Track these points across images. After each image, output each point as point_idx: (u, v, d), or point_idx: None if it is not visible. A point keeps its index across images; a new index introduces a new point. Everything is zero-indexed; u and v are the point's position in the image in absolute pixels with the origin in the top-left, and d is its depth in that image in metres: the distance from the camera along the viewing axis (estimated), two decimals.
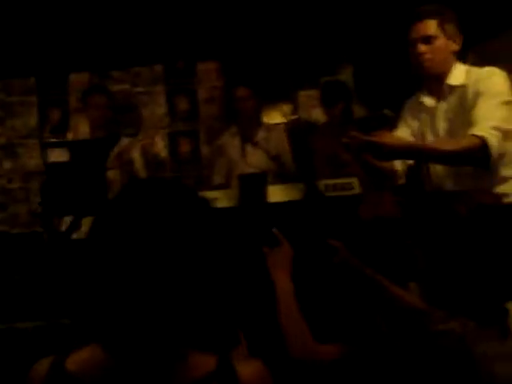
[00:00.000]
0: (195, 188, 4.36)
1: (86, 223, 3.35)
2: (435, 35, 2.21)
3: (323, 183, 3.11)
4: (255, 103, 3.83)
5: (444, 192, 2.35)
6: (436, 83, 2.30)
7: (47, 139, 4.48)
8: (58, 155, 2.87)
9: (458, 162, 2.20)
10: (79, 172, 2.90)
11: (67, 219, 3.09)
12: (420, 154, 2.23)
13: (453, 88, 2.25)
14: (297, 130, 4.50)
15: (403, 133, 2.43)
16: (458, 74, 2.25)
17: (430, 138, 2.35)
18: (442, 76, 2.26)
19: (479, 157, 2.02)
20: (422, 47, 2.21)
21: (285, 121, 4.60)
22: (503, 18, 4.10)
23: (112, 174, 3.19)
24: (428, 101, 2.33)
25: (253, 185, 3.03)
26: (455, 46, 2.27)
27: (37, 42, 4.33)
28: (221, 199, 3.09)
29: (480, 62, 4.55)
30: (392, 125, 2.21)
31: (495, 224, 1.34)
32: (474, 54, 4.63)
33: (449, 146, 2.12)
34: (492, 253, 1.30)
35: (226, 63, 4.61)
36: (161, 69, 4.58)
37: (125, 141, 3.78)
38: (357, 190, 3.11)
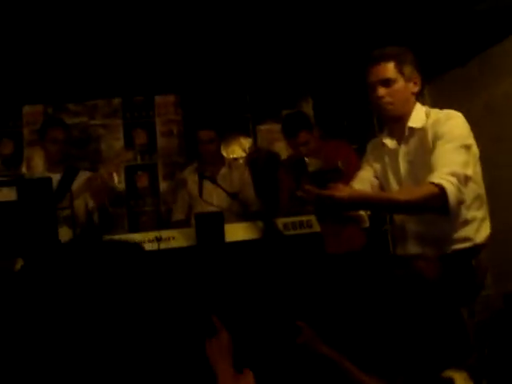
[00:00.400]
0: (153, 224, 4.31)
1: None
2: (393, 78, 2.21)
3: (282, 221, 3.08)
4: (218, 144, 3.83)
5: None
6: (397, 125, 2.29)
7: None
8: (6, 194, 2.73)
9: (415, 211, 2.19)
10: (27, 212, 2.77)
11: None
12: (376, 205, 2.21)
13: (413, 130, 2.25)
14: (258, 161, 4.47)
15: (366, 173, 2.44)
16: (418, 116, 2.25)
17: (391, 180, 2.35)
18: (402, 118, 2.26)
19: (438, 204, 2.00)
20: (381, 90, 2.21)
21: (244, 155, 4.56)
22: (460, 52, 4.18)
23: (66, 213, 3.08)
24: (389, 143, 2.33)
25: (210, 224, 2.96)
26: (415, 88, 2.27)
27: None
28: (178, 238, 3.02)
29: (436, 95, 4.66)
30: (343, 177, 2.15)
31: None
32: (431, 88, 4.72)
33: (405, 195, 2.09)
34: (422, 321, 1.25)
35: (184, 96, 4.57)
36: (119, 102, 4.49)
37: (84, 175, 3.67)
38: (316, 227, 3.08)
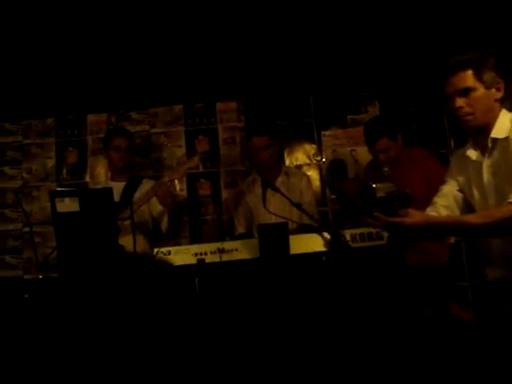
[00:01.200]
0: (215, 233, 4.26)
1: None
2: (472, 87, 2.10)
3: (349, 232, 2.93)
4: (274, 150, 3.70)
5: None
6: (480, 136, 2.18)
7: (64, 181, 4.38)
8: (69, 205, 2.72)
9: (493, 234, 2.10)
10: (90, 221, 2.75)
11: None
12: (450, 230, 2.15)
13: (496, 141, 2.12)
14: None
15: (450, 187, 2.36)
16: (503, 124, 2.12)
17: (476, 194, 2.23)
18: (486, 128, 2.14)
19: None
20: (460, 101, 2.12)
21: (309, 162, 4.42)
22: None
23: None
24: (473, 154, 2.22)
25: (273, 235, 2.86)
26: (498, 94, 2.14)
27: (55, 83, 4.27)
28: (241, 250, 2.93)
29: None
30: (412, 203, 2.05)
31: None
32: None
33: (481, 218, 2.00)
34: None
35: (246, 103, 4.48)
36: (180, 109, 4.46)
37: (147, 183, 3.68)
38: (385, 239, 2.92)
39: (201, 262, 2.93)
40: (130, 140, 3.74)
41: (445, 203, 2.32)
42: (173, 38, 3.75)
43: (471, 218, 2.05)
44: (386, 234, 2.90)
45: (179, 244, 4.16)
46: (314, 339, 3.12)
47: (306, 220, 3.37)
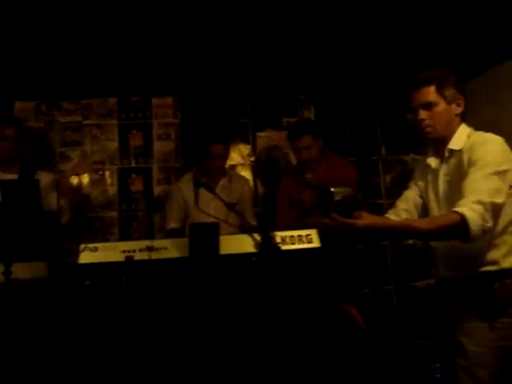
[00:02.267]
0: (145, 229, 4.20)
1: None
2: (434, 101, 2.28)
3: (280, 235, 2.95)
4: (226, 159, 3.74)
5: None
6: (440, 146, 2.35)
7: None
8: None
9: (436, 239, 2.28)
10: (13, 213, 2.64)
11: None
12: (398, 233, 2.34)
13: (452, 152, 2.30)
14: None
15: (411, 192, 2.52)
16: (460, 137, 2.29)
17: (432, 200, 2.40)
18: (445, 139, 2.32)
19: (459, 232, 2.05)
20: (422, 113, 2.28)
21: (243, 162, 4.43)
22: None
23: None
24: (433, 162, 2.39)
25: (204, 235, 2.84)
26: (458, 109, 2.32)
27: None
28: (171, 249, 2.89)
29: None
30: (365, 206, 2.18)
31: None
32: None
33: (426, 224, 2.16)
34: None
35: (182, 99, 4.43)
36: (114, 101, 4.35)
37: (44, 176, 3.52)
38: (316, 243, 2.95)
39: (129, 259, 2.86)
40: (18, 129, 3.52)
41: (405, 207, 2.48)
42: (112, 29, 3.63)
43: (418, 223, 2.22)
44: (315, 237, 2.95)
45: (108, 240, 4.08)
46: (239, 339, 3.13)
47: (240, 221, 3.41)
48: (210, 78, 4.25)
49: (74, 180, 3.57)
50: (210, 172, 3.72)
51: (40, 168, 3.68)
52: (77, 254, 2.91)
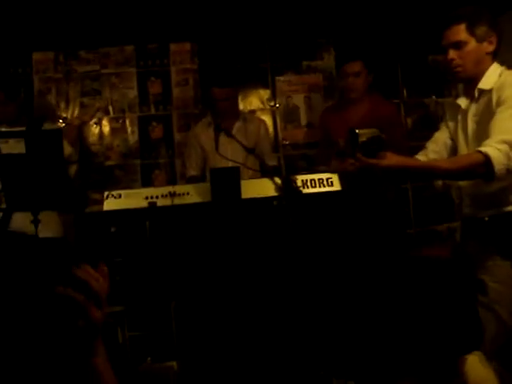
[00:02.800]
0: (167, 177, 4.23)
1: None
2: (464, 40, 2.23)
3: (301, 178, 2.95)
4: (234, 101, 3.70)
5: None
6: (470, 86, 2.32)
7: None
8: (13, 146, 2.63)
9: (458, 178, 2.32)
10: (37, 164, 2.68)
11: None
12: (421, 173, 2.37)
13: (482, 91, 2.26)
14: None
15: (442, 134, 2.51)
16: (490, 77, 2.25)
17: (461, 140, 2.38)
18: (475, 79, 2.27)
19: (482, 172, 2.06)
20: (452, 53, 2.25)
21: (262, 107, 4.40)
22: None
23: None
24: (462, 102, 2.36)
25: (225, 179, 2.86)
26: (489, 47, 2.26)
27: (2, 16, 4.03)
28: (193, 194, 2.92)
29: None
30: (387, 147, 2.20)
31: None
32: None
33: (449, 164, 2.19)
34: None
35: (200, 45, 4.37)
36: (132, 49, 4.32)
37: (49, 126, 3.52)
38: (337, 186, 2.96)
39: (152, 205, 2.90)
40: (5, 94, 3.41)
41: (435, 148, 2.47)
42: None
43: (441, 163, 2.25)
44: (336, 181, 2.95)
45: (131, 188, 4.13)
46: (263, 283, 3.18)
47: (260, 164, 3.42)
48: (228, 22, 4.18)
49: (96, 131, 3.58)
50: (221, 115, 3.68)
51: (45, 119, 3.70)
52: (101, 201, 2.98)
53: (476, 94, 2.27)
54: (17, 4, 3.93)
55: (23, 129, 3.28)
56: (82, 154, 3.59)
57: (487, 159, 2.00)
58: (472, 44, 2.23)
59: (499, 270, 2.19)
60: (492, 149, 2.02)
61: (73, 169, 3.45)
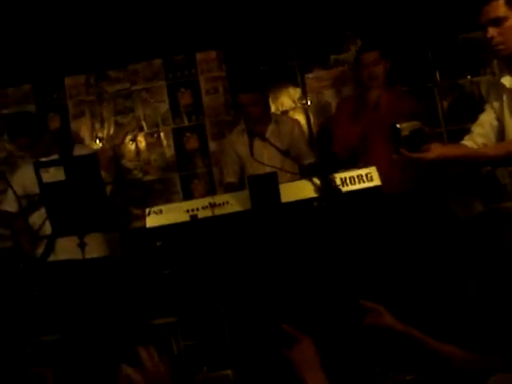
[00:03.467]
0: (206, 186, 4.25)
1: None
2: (504, 16, 2.12)
3: (339, 176, 2.91)
4: (263, 105, 3.68)
5: None
6: None
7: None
8: (54, 174, 2.70)
9: (508, 165, 2.33)
10: (77, 189, 2.73)
11: None
12: (468, 162, 2.30)
13: None
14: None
15: (487, 116, 2.40)
16: None
17: (507, 120, 2.27)
18: None
19: None
20: (491, 30, 2.14)
21: (294, 106, 4.37)
22: None
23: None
24: (507, 81, 2.23)
25: (263, 185, 2.85)
26: None
27: (30, 45, 4.13)
28: (232, 203, 2.92)
29: None
30: (431, 138, 2.19)
31: None
32: None
33: (495, 150, 2.14)
34: None
35: (226, 51, 4.37)
36: (159, 63, 4.35)
37: (80, 149, 3.60)
38: (377, 181, 2.91)
39: (194, 218, 2.92)
40: (32, 138, 3.46)
41: (481, 131, 2.37)
42: None
43: (487, 150, 2.19)
44: (376, 176, 2.90)
45: (171, 200, 4.17)
46: (309, 286, 3.17)
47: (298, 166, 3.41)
48: (251, 24, 4.17)
49: (132, 148, 3.62)
50: (253, 121, 3.67)
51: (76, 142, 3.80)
52: (143, 216, 3.02)
53: None
54: (44, 31, 4.02)
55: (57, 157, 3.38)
56: (118, 173, 3.64)
57: None
58: None
59: None
60: None
61: (107, 189, 3.52)
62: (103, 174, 3.39)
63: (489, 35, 2.15)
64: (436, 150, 2.09)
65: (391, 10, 4.26)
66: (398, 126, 2.15)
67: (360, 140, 3.39)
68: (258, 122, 3.68)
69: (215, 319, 3.79)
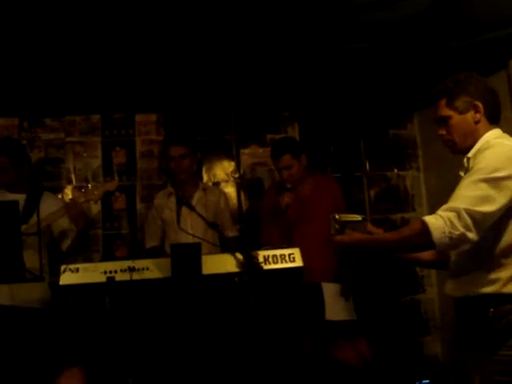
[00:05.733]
0: (130, 248, 4.17)
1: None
2: (446, 115, 2.19)
3: (262, 254, 2.93)
4: (190, 162, 3.70)
5: None
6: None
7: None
8: None
9: (404, 249, 2.22)
10: None
11: None
12: (375, 248, 2.27)
13: (469, 160, 2.15)
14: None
15: None
16: (480, 144, 2.15)
17: None
18: (470, 149, 2.17)
19: (423, 241, 1.97)
20: (440, 129, 2.22)
21: (227, 179, 4.42)
22: None
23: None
24: (462, 173, 2.21)
25: (186, 255, 2.82)
26: (477, 116, 2.16)
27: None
28: (153, 269, 2.87)
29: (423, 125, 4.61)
30: (365, 227, 2.31)
31: None
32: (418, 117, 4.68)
33: (393, 235, 2.15)
34: None
35: (166, 116, 4.42)
36: (98, 118, 4.34)
37: (49, 197, 3.53)
38: (299, 262, 2.94)
39: (110, 280, 2.84)
40: (8, 159, 3.43)
41: None
42: (95, 46, 3.62)
43: (388, 235, 2.21)
44: (298, 257, 2.94)
45: (91, 258, 4.05)
46: (224, 359, 3.11)
47: (220, 238, 3.41)
48: (194, 94, 4.23)
49: (84, 205, 3.53)
50: (178, 179, 3.69)
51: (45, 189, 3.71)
52: (58, 275, 2.90)
53: (465, 164, 2.15)
54: None
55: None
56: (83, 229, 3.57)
57: (425, 227, 1.93)
58: (455, 118, 2.17)
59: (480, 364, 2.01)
60: (432, 216, 1.95)
61: (68, 242, 3.47)
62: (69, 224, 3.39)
63: (439, 132, 2.23)
64: (344, 237, 2.19)
65: (329, 99, 4.47)
66: (336, 216, 2.25)
67: (281, 238, 3.47)
68: (185, 185, 3.68)
69: None
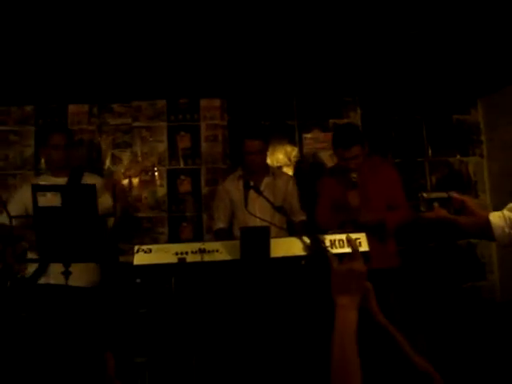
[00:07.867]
0: (195, 231, 4.26)
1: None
2: None
3: (329, 238, 2.96)
4: (265, 155, 3.76)
5: None
6: None
7: (41, 171, 4.29)
8: (50, 199, 2.70)
9: (477, 237, 2.21)
10: (71, 217, 2.74)
11: None
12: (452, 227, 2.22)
13: None
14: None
15: None
16: None
17: None
18: None
19: (490, 236, 2.01)
20: None
21: (289, 163, 4.47)
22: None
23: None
24: None
25: (255, 238, 2.88)
26: None
27: (37, 71, 4.18)
28: (222, 252, 2.94)
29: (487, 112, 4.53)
30: (452, 205, 2.24)
31: None
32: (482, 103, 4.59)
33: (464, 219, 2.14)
34: None
35: (230, 101, 4.49)
36: (163, 104, 4.44)
37: (90, 177, 3.65)
38: (365, 246, 2.96)
39: (182, 261, 2.93)
40: (68, 137, 3.63)
41: None
42: (160, 33, 3.71)
43: (463, 220, 2.17)
44: (364, 241, 2.96)
45: (157, 239, 4.18)
46: (290, 339, 3.17)
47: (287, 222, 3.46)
48: (257, 80, 4.28)
49: (125, 182, 3.65)
50: (252, 170, 3.75)
51: (88, 170, 3.82)
52: (131, 255, 3.02)
53: None
54: (54, 57, 4.07)
55: (62, 184, 3.39)
56: (127, 206, 3.67)
57: (489, 224, 1.99)
58: None
59: None
60: (498, 214, 2.00)
61: (111, 221, 3.52)
62: (112, 203, 3.42)
63: None
64: (436, 212, 2.18)
65: (392, 83, 4.43)
66: (424, 195, 2.26)
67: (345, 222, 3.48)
68: (256, 172, 3.74)
69: (185, 366, 3.75)
